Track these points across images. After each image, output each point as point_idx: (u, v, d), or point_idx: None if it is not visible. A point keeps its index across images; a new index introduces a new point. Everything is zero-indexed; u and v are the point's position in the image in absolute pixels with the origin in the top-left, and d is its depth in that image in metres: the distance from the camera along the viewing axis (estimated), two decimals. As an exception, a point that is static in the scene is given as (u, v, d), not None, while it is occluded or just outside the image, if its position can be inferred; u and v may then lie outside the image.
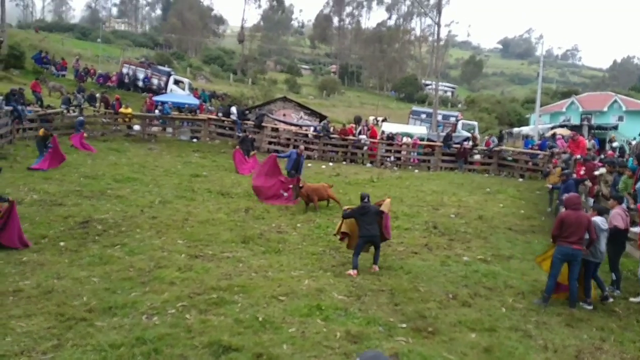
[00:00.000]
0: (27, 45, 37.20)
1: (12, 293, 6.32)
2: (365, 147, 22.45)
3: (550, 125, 32.30)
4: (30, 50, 35.23)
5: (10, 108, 16.99)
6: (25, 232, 8.72)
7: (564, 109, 41.42)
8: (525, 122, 42.72)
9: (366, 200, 8.52)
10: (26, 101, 20.09)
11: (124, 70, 35.02)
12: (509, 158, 21.40)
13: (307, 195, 12.39)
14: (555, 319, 6.70)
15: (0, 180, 12.21)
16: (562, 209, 11.25)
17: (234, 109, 23.65)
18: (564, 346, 5.83)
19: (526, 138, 27.68)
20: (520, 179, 19.57)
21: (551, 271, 7.23)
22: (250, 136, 19.70)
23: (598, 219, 7.53)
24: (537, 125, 30.23)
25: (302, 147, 15.78)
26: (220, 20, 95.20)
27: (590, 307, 7.20)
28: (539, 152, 21.05)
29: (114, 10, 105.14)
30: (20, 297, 6.24)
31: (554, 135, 23.70)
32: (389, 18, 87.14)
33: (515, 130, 36.25)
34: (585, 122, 32.14)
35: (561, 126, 29.83)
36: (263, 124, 22.56)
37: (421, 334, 5.94)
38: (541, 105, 33.58)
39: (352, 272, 7.94)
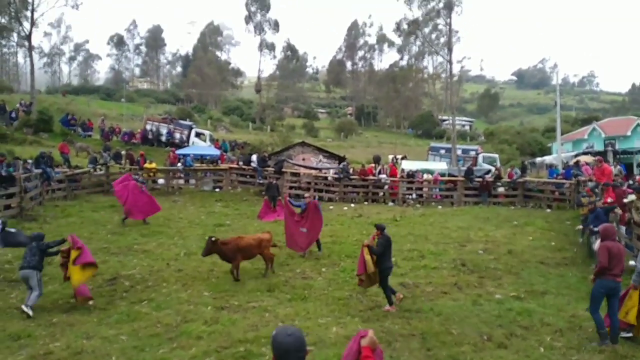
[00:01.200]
0: (55, 109, 38.96)
1: (42, 356, 6.35)
2: (386, 186, 22.40)
3: (573, 153, 31.83)
4: (58, 114, 36.81)
5: (39, 171, 17.62)
6: (54, 292, 8.87)
7: (585, 136, 40.83)
8: (548, 152, 42.18)
9: (386, 231, 8.47)
10: (54, 163, 20.82)
11: (148, 127, 36.22)
12: (535, 189, 21.03)
13: (229, 253, 9.91)
14: (597, 356, 6.38)
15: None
16: (594, 240, 10.95)
17: (254, 157, 24.04)
18: (610, 386, 5.52)
19: (550, 167, 27.27)
20: (548, 210, 19.13)
21: (592, 307, 6.86)
22: (274, 182, 19.84)
23: None
24: (560, 153, 29.81)
25: (307, 194, 13.87)
26: (237, 73, 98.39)
27: (630, 334, 6.86)
28: (564, 181, 20.65)
29: (137, 71, 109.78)
30: (50, 359, 6.26)
31: (577, 162, 23.30)
32: (401, 58, 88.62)
33: (538, 160, 35.82)
34: (610, 148, 31.59)
35: (585, 153, 29.38)
36: (283, 170, 22.82)
37: (457, 380, 5.71)
38: (562, 134, 33.22)
39: (390, 307, 8.13)
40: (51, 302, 8.49)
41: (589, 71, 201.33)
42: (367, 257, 8.31)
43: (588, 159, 24.15)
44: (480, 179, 21.17)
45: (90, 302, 8.38)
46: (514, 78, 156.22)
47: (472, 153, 34.34)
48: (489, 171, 24.28)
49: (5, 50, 77.16)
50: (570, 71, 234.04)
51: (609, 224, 8.28)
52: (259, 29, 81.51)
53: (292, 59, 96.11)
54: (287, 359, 2.61)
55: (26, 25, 37.51)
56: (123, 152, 26.92)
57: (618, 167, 21.15)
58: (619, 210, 11.90)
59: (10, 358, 6.24)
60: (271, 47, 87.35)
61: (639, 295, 6.84)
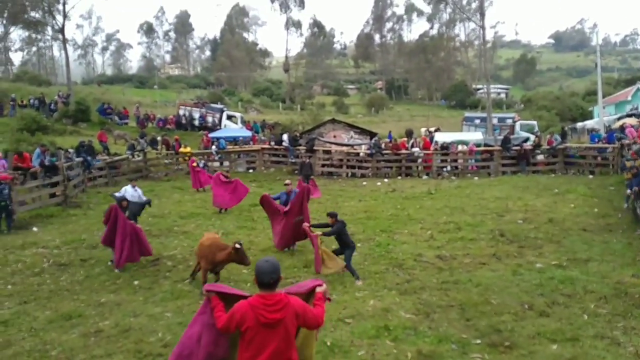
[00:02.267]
0: (91, 99, 40.01)
1: (93, 334, 6.66)
2: (420, 160, 22.10)
3: (616, 116, 30.44)
4: (95, 104, 37.83)
5: (80, 159, 18.26)
6: (101, 274, 9.26)
7: (629, 97, 38.91)
8: (589, 116, 40.51)
9: (338, 217, 8.70)
10: (94, 151, 21.53)
11: (181, 112, 36.88)
12: (576, 155, 20.32)
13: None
14: (645, 323, 6.18)
15: (77, 227, 13.08)
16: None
17: (285, 137, 24.13)
18: (659, 353, 5.35)
19: (592, 132, 26.21)
20: (590, 176, 18.47)
21: None
22: (307, 161, 19.90)
23: None
24: (601, 117, 28.58)
25: (288, 181, 11.75)
26: (265, 53, 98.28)
27: None
28: (607, 145, 19.84)
29: (167, 57, 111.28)
30: (101, 337, 6.57)
31: (622, 126, 22.29)
32: (431, 28, 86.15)
33: (579, 125, 34.46)
34: (656, 108, 30.02)
35: (629, 116, 28.05)
36: (315, 148, 22.82)
37: (498, 349, 5.66)
38: (604, 96, 31.77)
39: (360, 281, 8.27)
40: (99, 284, 8.87)
41: (633, 29, 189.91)
42: (320, 251, 8.40)
43: (632, 121, 23.07)
44: (517, 148, 20.58)
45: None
46: (552, 41, 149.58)
47: (509, 121, 33.34)
48: (527, 139, 23.54)
49: (41, 44, 79.46)
50: (611, 30, 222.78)
51: None
52: (285, 6, 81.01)
53: (319, 35, 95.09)
54: (262, 279, 3.32)
55: (59, 18, 38.58)
56: (159, 138, 27.54)
57: (665, 128, 20.16)
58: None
59: (64, 336, 6.57)
60: (297, 25, 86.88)
61: None
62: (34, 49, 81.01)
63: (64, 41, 40.58)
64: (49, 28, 44.94)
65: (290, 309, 3.27)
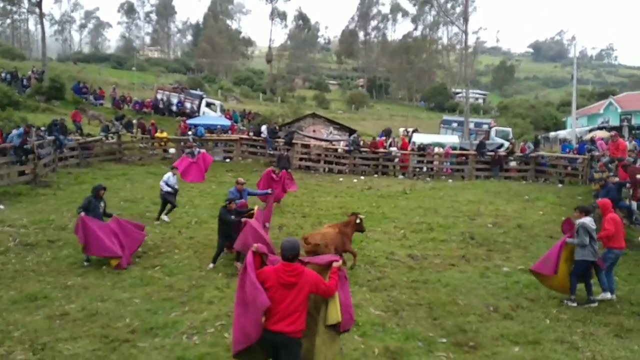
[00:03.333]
0: (66, 77, 38.93)
1: (59, 317, 6.55)
2: (397, 159, 22.33)
3: (588, 128, 31.33)
4: (70, 82, 36.83)
5: (52, 138, 17.79)
6: (69, 256, 9.09)
7: (601, 111, 40.09)
8: (562, 126, 41.56)
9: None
10: (67, 130, 20.99)
11: (159, 96, 36.17)
12: (547, 164, 20.84)
13: None
14: (602, 329, 6.44)
15: (46, 207, 12.77)
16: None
17: (264, 128, 24.00)
18: (614, 358, 5.60)
19: (564, 142, 26.94)
20: (560, 185, 18.98)
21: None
22: (285, 154, 19.81)
23: (587, 220, 7.40)
24: (574, 128, 29.36)
25: (241, 179, 11.08)
26: (248, 42, 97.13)
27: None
28: (578, 156, 20.43)
29: (147, 39, 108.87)
30: (66, 320, 6.47)
31: (593, 138, 22.97)
32: (415, 29, 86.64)
33: (552, 134, 35.32)
34: (625, 123, 31.04)
35: (600, 128, 28.91)
36: (293, 141, 22.78)
37: (462, 349, 5.81)
38: (577, 108, 32.65)
39: (212, 265, 8.76)
40: (66, 266, 8.71)
41: (608, 44, 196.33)
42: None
43: (603, 134, 23.77)
44: (492, 153, 20.99)
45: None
46: (531, 50, 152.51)
47: (485, 127, 33.92)
48: (501, 145, 24.01)
49: (16, 17, 76.86)
50: (588, 44, 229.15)
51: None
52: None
53: (304, 28, 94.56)
54: (284, 254, 4.22)
55: (37, -10, 37.22)
56: (134, 121, 27.01)
57: (633, 142, 20.84)
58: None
59: (29, 317, 6.45)
60: (282, 16, 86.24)
61: None
62: (8, 21, 78.29)
63: (41, 15, 39.23)
64: (26, 1, 43.48)
65: (304, 277, 4.18)
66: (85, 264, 8.82)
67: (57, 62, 60.26)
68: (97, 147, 21.20)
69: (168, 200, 12.22)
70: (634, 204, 11.76)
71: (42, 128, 19.05)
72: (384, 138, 25.13)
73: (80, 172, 18.01)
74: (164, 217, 12.18)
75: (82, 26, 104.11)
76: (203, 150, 17.94)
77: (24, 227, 10.75)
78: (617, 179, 12.26)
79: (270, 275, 4.23)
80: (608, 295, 7.52)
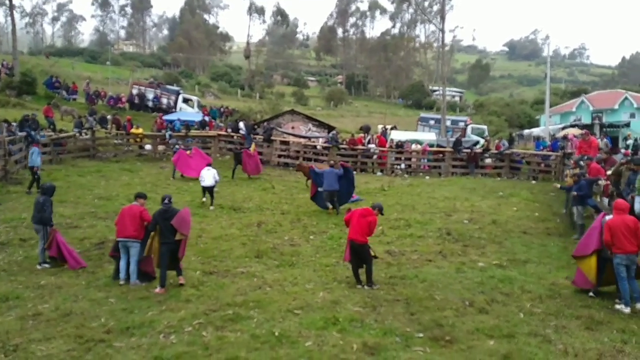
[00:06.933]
0: (38, 71, 37.90)
1: (31, 317, 6.40)
2: (375, 156, 22.46)
3: (561, 126, 32.06)
4: (42, 76, 35.85)
5: (24, 134, 17.32)
6: (42, 255, 8.87)
7: (574, 109, 41.11)
8: (536, 124, 42.45)
9: (167, 201, 7.94)
10: (39, 126, 20.44)
11: (134, 92, 35.48)
12: (521, 161, 21.25)
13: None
14: (574, 322, 6.61)
15: (17, 204, 12.44)
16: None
17: (241, 124, 23.83)
18: (585, 350, 5.75)
19: (537, 140, 27.49)
20: (533, 181, 19.39)
21: None
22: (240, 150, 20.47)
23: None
24: (547, 126, 30.01)
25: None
26: (226, 38, 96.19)
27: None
28: (551, 153, 20.89)
29: (122, 33, 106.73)
30: (39, 320, 6.33)
31: (565, 135, 23.51)
32: (393, 27, 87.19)
33: (526, 132, 36.02)
34: (597, 121, 31.91)
35: (572, 126, 29.60)
36: (272, 138, 22.69)
37: (439, 343, 5.90)
38: (551, 106, 33.38)
39: (161, 290, 7.49)
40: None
41: (580, 44, 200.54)
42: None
43: (575, 131, 24.36)
44: (468, 150, 21.30)
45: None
46: (506, 49, 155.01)
47: (461, 124, 34.37)
48: (477, 142, 24.38)
49: (-16, 8, 74.32)
50: (561, 43, 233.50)
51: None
52: (248, -9, 79.47)
53: (282, 24, 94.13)
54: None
55: (6, -18, 36.12)
56: (109, 117, 26.49)
57: (604, 140, 21.44)
58: (602, 182, 12.11)
59: (0, 318, 6.28)
60: (260, 12, 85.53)
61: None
62: (-23, 12, 75.77)
63: (11, 7, 38.18)
64: (-5, -9, 42.10)
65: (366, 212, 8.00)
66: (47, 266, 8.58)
67: (29, 56, 58.57)
68: (70, 143, 20.67)
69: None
70: (605, 200, 12.09)
71: (13, 124, 18.51)
72: (362, 135, 25.25)
73: (52, 168, 17.56)
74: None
75: (55, 19, 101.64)
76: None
77: (-7, 226, 10.46)
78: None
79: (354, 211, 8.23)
80: (623, 308, 7.10)
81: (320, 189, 13.60)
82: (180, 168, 17.85)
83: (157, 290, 7.52)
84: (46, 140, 18.93)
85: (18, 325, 6.13)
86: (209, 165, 14.75)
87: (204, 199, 14.01)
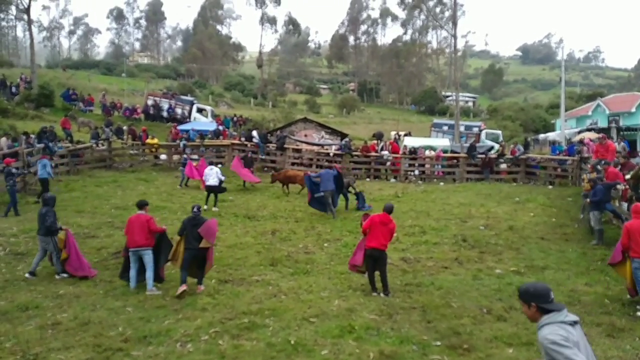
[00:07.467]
0: (55, 83, 38.63)
1: (50, 326, 6.48)
2: (388, 163, 22.41)
3: (577, 130, 31.66)
4: (59, 89, 36.54)
5: (42, 145, 17.64)
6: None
7: (590, 112, 40.52)
8: (551, 128, 41.95)
9: (196, 210, 8.21)
10: (57, 138, 20.82)
11: (149, 102, 36.01)
12: (537, 165, 21.01)
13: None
14: (595, 329, 6.49)
15: (36, 215, 12.59)
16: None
17: (255, 133, 23.99)
18: (606, 358, 5.64)
19: (553, 144, 27.18)
20: (550, 186, 19.14)
21: None
22: (250, 155, 21.16)
23: None
24: (563, 130, 29.66)
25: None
26: (238, 48, 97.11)
27: None
28: (567, 157, 20.63)
29: (137, 45, 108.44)
30: (58, 329, 6.40)
31: (581, 140, 23.20)
32: (405, 33, 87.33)
33: (542, 136, 35.64)
34: (614, 124, 31.38)
35: (588, 130, 29.22)
36: (285, 146, 22.78)
37: (456, 352, 5.83)
38: (566, 110, 32.98)
39: (183, 287, 7.70)
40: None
41: (595, 47, 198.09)
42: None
43: (592, 135, 24.04)
44: (482, 156, 21.13)
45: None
46: (519, 53, 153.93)
47: (475, 130, 34.16)
48: (491, 148, 24.19)
49: (4, 23, 76.27)
50: (575, 47, 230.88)
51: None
52: (260, 2, 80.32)
53: (294, 33, 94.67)
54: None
55: (25, -3, 36.92)
56: (125, 128, 26.87)
57: (622, 143, 21.10)
58: (620, 187, 11.91)
59: (20, 328, 6.37)
60: (272, 21, 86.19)
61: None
62: (-4, 27, 77.68)
63: (29, 22, 39.03)
64: (13, 7, 43.19)
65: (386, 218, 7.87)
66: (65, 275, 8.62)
67: (46, 69, 59.77)
68: (87, 154, 21.04)
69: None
70: (624, 205, 11.89)
71: (32, 135, 18.89)
72: (375, 142, 25.22)
73: (70, 179, 17.86)
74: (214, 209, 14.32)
75: (71, 32, 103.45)
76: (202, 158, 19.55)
77: (14, 236, 10.65)
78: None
79: (374, 217, 8.10)
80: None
81: (316, 195, 14.12)
82: (188, 173, 18.22)
83: (180, 289, 7.67)
84: (64, 152, 19.29)
85: (38, 334, 6.20)
86: (211, 164, 15.62)
87: (206, 207, 13.99)
